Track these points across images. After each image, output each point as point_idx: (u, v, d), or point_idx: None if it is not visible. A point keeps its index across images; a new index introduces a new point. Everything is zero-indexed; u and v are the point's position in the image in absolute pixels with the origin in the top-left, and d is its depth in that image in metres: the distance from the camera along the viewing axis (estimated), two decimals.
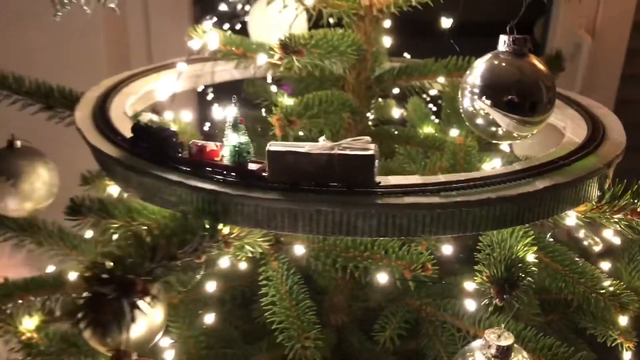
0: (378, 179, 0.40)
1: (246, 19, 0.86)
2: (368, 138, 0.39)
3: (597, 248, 0.88)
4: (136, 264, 0.31)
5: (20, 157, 0.68)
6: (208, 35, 0.56)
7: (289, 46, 0.45)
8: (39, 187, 0.68)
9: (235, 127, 0.41)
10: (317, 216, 0.39)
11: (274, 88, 0.80)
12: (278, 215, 0.40)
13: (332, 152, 0.38)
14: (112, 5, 0.48)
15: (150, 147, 0.43)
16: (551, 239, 0.61)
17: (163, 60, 0.73)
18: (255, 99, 0.81)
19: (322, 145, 0.39)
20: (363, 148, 0.39)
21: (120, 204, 0.50)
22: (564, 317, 0.72)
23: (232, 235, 0.43)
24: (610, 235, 0.82)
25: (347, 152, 0.39)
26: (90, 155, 0.55)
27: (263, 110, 0.84)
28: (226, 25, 1.04)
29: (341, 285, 0.67)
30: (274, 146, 0.39)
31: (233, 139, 0.41)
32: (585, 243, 0.91)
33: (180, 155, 0.43)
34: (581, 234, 0.93)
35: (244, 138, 0.41)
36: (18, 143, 0.68)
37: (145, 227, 0.37)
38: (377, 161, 0.39)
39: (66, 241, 0.71)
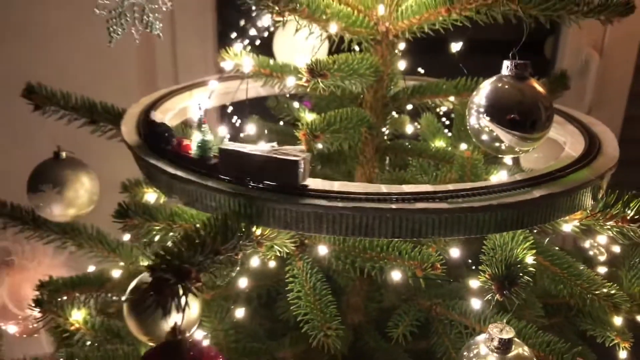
0: (308, 182, 0.47)
1: (265, 35, 0.93)
2: (303, 147, 0.47)
3: (602, 258, 0.93)
4: (190, 256, 0.36)
5: (65, 167, 0.74)
6: (243, 58, 0.62)
7: (315, 70, 0.51)
8: (81, 195, 0.74)
9: (199, 127, 0.50)
10: (339, 219, 0.45)
11: (295, 104, 0.86)
12: (305, 218, 0.45)
13: (266, 154, 0.46)
14: (157, 32, 0.55)
15: (149, 138, 0.53)
16: (556, 247, 0.66)
17: (188, 76, 0.79)
18: (278, 114, 0.87)
19: (262, 148, 0.47)
20: (293, 154, 0.46)
21: (162, 209, 0.56)
22: (567, 320, 0.77)
23: (263, 236, 0.49)
24: (615, 245, 0.88)
25: (276, 155, 0.46)
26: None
27: (281, 122, 0.91)
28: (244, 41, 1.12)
29: (358, 287, 0.72)
30: (224, 145, 0.48)
31: (198, 136, 0.50)
32: (591, 253, 0.96)
33: (168, 147, 0.52)
34: (587, 244, 0.98)
35: (208, 136, 0.50)
36: (63, 154, 0.74)
37: (193, 227, 0.43)
38: (302, 167, 0.46)
39: (105, 244, 0.77)
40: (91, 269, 0.75)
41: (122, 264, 0.75)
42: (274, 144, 0.48)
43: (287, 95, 0.86)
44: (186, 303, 0.36)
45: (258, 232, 0.48)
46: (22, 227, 0.79)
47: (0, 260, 0.79)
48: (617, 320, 0.64)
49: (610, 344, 0.67)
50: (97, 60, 1.34)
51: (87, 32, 1.31)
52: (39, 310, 0.63)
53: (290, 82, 0.60)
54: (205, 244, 0.38)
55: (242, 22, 1.28)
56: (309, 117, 0.82)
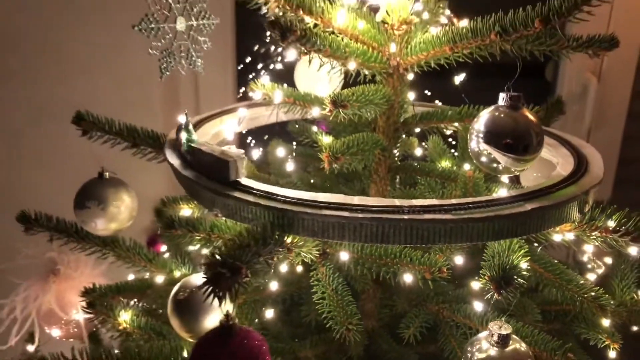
0: (243, 180, 0.57)
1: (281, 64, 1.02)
2: (242, 151, 0.58)
3: (599, 270, 1.00)
4: (240, 256, 0.44)
5: (108, 186, 0.83)
6: (273, 90, 0.71)
7: (337, 102, 0.59)
8: (122, 211, 0.82)
9: (186, 128, 0.62)
10: (359, 228, 0.53)
11: (314, 127, 0.94)
12: (330, 227, 0.53)
13: (211, 153, 0.58)
14: (200, 69, 0.63)
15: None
16: (551, 257, 0.74)
17: (209, 103, 0.87)
18: (297, 136, 0.96)
19: (216, 149, 0.59)
20: (230, 156, 0.57)
21: (202, 221, 0.64)
22: (564, 325, 0.84)
23: (293, 244, 0.56)
24: (609, 258, 0.95)
25: (216, 155, 0.57)
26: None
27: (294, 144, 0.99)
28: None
29: (372, 294, 0.80)
30: (195, 144, 0.61)
31: (184, 135, 0.62)
32: (589, 266, 1.04)
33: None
34: (585, 257, 1.05)
35: (193, 136, 0.62)
36: (106, 174, 0.83)
37: (235, 235, 0.51)
38: (233, 167, 0.57)
39: (142, 255, 0.85)
40: (130, 277, 0.83)
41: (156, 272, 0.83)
42: (230, 147, 0.59)
43: (305, 120, 0.94)
44: (237, 294, 0.44)
45: (289, 240, 0.56)
46: (67, 240, 0.87)
47: (47, 270, 0.87)
48: (606, 322, 0.71)
49: (602, 345, 0.75)
50: (126, 88, 1.44)
51: (118, 63, 1.41)
52: (91, 311, 0.71)
53: (316, 111, 0.69)
54: (250, 247, 0.46)
55: (259, 50, 1.37)
56: (326, 139, 0.90)
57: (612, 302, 0.66)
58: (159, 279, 0.80)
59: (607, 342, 0.73)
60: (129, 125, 0.81)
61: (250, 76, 1.30)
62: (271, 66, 1.25)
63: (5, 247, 0.90)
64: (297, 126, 0.94)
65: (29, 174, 1.51)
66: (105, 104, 1.42)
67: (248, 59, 1.39)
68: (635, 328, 0.82)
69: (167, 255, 0.88)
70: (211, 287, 0.42)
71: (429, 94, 1.01)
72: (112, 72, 1.42)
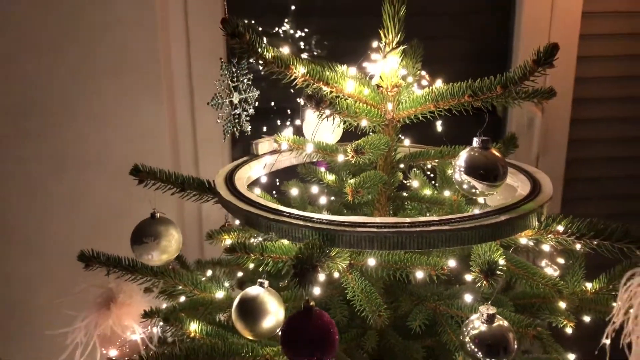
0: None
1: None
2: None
3: (556, 273, 1.23)
4: (314, 258, 0.63)
5: (159, 224, 1.00)
6: (301, 142, 0.91)
7: (357, 150, 0.80)
8: (172, 244, 1.00)
9: None
10: (384, 239, 0.73)
11: (322, 168, 1.15)
12: (362, 240, 0.73)
13: None
14: (247, 131, 0.84)
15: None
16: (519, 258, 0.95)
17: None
18: (306, 177, 1.16)
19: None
20: None
21: (256, 245, 0.83)
22: (533, 315, 1.05)
23: (335, 254, 0.76)
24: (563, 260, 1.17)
25: None
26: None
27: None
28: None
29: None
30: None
31: None
32: (548, 270, 1.26)
33: None
34: (544, 263, 1.28)
35: None
36: (157, 215, 1.01)
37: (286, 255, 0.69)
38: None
39: (187, 281, 1.02)
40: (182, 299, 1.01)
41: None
42: None
43: (311, 163, 1.15)
44: (314, 284, 0.63)
45: (332, 253, 0.76)
46: (121, 273, 1.04)
47: (107, 299, 1.03)
48: (563, 305, 0.92)
49: (561, 325, 0.96)
50: (136, 139, 1.62)
51: (129, 117, 1.60)
52: (167, 323, 0.88)
53: (340, 158, 0.89)
54: (317, 253, 0.66)
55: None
56: (329, 177, 1.11)
57: (567, 287, 0.88)
58: (205, 299, 0.97)
59: (564, 322, 0.94)
60: (177, 173, 0.99)
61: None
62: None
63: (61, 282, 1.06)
64: (305, 168, 1.15)
65: (51, 218, 1.67)
66: (119, 153, 1.61)
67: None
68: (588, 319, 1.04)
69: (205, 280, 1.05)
70: (299, 279, 0.61)
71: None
72: (122, 124, 1.61)
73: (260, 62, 0.80)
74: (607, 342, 0.82)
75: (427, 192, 1.10)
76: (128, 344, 1.05)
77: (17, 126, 1.59)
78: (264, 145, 1.05)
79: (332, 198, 1.16)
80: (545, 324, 1.02)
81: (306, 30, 1.81)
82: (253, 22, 1.75)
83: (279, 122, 1.79)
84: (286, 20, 1.81)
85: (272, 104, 1.80)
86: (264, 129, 1.70)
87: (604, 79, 1.91)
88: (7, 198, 1.65)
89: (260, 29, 1.82)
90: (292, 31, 1.83)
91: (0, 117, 1.58)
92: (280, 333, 0.75)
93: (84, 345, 1.03)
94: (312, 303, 0.67)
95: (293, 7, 1.78)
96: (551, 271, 1.16)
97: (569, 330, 0.95)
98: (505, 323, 0.79)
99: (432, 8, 1.84)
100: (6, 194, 1.65)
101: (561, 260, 1.10)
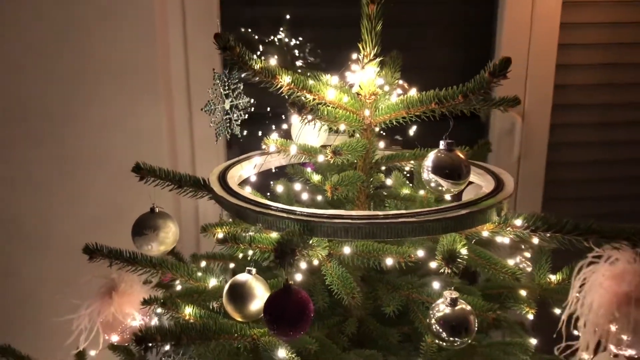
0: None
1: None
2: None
3: (529, 269, 1.32)
4: (293, 242, 0.73)
5: (158, 217, 1.09)
6: (287, 144, 1.01)
7: (336, 151, 0.90)
8: (170, 236, 1.09)
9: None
10: (358, 230, 0.82)
11: (308, 168, 1.24)
12: (339, 230, 0.83)
13: None
14: (239, 135, 0.93)
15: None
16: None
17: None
18: (294, 176, 1.25)
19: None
20: None
21: (245, 236, 0.92)
22: (499, 303, 1.14)
23: (313, 243, 0.86)
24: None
25: None
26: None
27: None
28: None
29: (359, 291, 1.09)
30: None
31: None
32: (521, 265, 1.36)
33: None
34: (517, 259, 1.37)
35: None
36: (157, 209, 1.10)
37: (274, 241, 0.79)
38: None
39: (183, 271, 1.12)
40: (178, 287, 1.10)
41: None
42: None
43: (299, 164, 1.25)
44: (293, 265, 0.73)
45: (311, 241, 0.85)
46: (122, 265, 1.13)
47: (110, 288, 1.12)
48: (523, 293, 1.02)
49: (523, 312, 1.05)
50: (137, 143, 1.71)
51: (129, 120, 1.69)
52: (164, 307, 0.97)
53: (321, 158, 0.99)
54: (296, 240, 0.75)
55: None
56: (316, 177, 1.21)
57: (524, 275, 0.97)
58: (200, 287, 1.07)
59: (526, 310, 1.04)
60: (174, 171, 1.08)
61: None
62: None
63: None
64: (293, 168, 1.24)
65: (55, 216, 1.77)
66: (119, 154, 1.70)
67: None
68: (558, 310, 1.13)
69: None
70: (279, 260, 0.71)
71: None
72: (124, 127, 1.70)
73: (249, 72, 0.90)
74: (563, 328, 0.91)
75: (406, 191, 1.20)
76: (128, 330, 1.14)
77: (22, 129, 1.69)
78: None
79: (319, 198, 1.25)
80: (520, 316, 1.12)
81: (300, 39, 1.90)
82: (250, 30, 1.84)
83: (273, 127, 1.88)
84: (280, 29, 1.90)
85: (268, 109, 1.89)
86: (259, 133, 1.80)
87: (582, 87, 2.01)
88: (15, 197, 1.75)
89: (256, 37, 1.91)
90: (286, 39, 1.92)
91: (7, 121, 1.68)
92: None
93: (88, 331, 1.12)
94: (290, 282, 0.77)
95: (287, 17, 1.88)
96: (524, 267, 1.26)
97: (529, 317, 1.04)
98: (468, 306, 0.88)
99: (423, 18, 1.95)
100: (13, 193, 1.75)
101: (528, 255, 1.20)
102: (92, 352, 1.17)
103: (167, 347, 0.91)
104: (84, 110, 1.67)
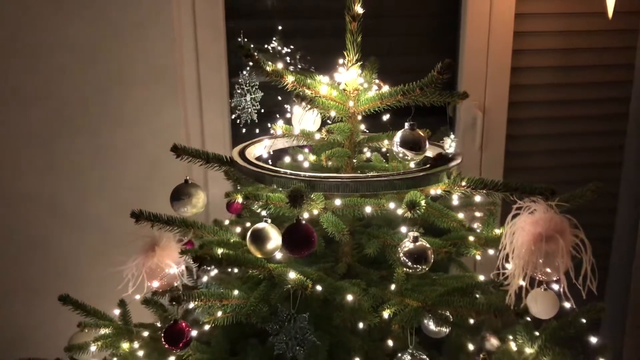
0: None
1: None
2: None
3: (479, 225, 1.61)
4: (300, 190, 1.05)
5: (191, 187, 1.40)
6: (291, 129, 1.33)
7: (329, 131, 1.22)
8: (200, 201, 1.41)
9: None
10: (345, 186, 1.15)
11: (305, 150, 1.57)
12: (333, 186, 1.15)
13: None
14: (255, 118, 1.25)
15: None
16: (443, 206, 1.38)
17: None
18: (295, 156, 1.58)
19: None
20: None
21: (262, 194, 1.24)
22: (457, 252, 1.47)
23: (313, 197, 1.18)
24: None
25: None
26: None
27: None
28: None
29: (348, 241, 1.41)
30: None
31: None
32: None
33: None
34: (475, 225, 1.68)
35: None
36: (189, 180, 1.42)
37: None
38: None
39: (208, 230, 1.43)
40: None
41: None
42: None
43: (299, 146, 1.57)
44: (302, 205, 1.05)
45: (312, 195, 1.18)
46: (161, 225, 1.44)
47: (152, 244, 1.43)
48: (471, 239, 1.35)
49: (471, 255, 1.38)
50: (155, 137, 2.03)
51: (152, 118, 2.01)
52: (199, 252, 1.28)
53: (317, 136, 1.32)
54: (301, 189, 1.08)
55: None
56: (312, 156, 1.53)
57: (466, 222, 1.31)
58: (224, 239, 1.39)
59: (474, 251, 1.37)
60: (204, 151, 1.40)
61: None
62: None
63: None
64: (294, 149, 1.57)
65: (90, 200, 2.08)
66: (144, 147, 2.02)
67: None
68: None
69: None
70: (292, 202, 1.03)
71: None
72: (148, 124, 2.02)
73: (263, 73, 1.22)
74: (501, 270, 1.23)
75: (382, 165, 1.53)
76: (167, 277, 1.45)
77: (65, 123, 2.02)
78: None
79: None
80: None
81: (292, 47, 2.23)
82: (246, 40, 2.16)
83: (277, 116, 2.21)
84: (274, 39, 2.22)
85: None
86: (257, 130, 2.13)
87: (535, 86, 2.34)
88: (56, 181, 2.07)
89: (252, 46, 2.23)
90: (279, 48, 2.24)
91: (52, 116, 2.00)
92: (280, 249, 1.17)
93: (135, 279, 1.43)
94: (301, 218, 1.09)
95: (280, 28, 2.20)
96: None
97: (478, 258, 1.36)
98: (427, 243, 1.21)
99: (398, 10, 2.30)
100: (55, 178, 2.07)
101: (478, 214, 1.53)
102: (137, 297, 1.48)
103: (205, 279, 1.23)
104: (117, 108, 1.99)
